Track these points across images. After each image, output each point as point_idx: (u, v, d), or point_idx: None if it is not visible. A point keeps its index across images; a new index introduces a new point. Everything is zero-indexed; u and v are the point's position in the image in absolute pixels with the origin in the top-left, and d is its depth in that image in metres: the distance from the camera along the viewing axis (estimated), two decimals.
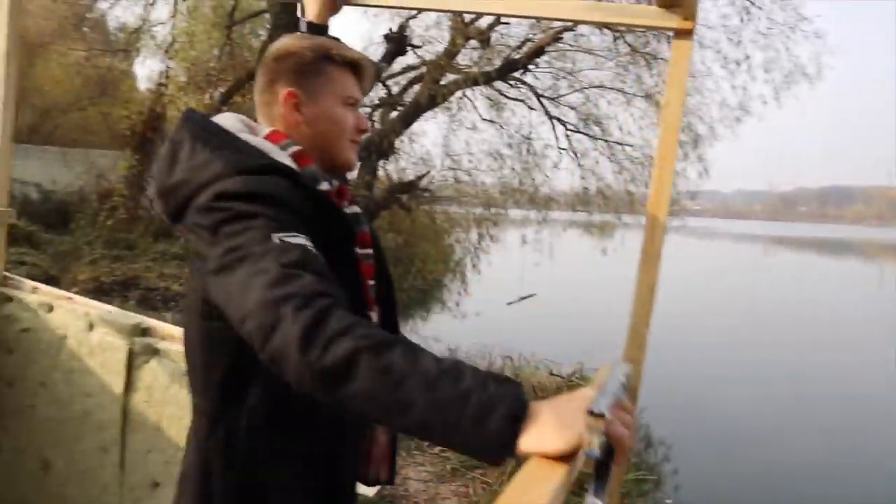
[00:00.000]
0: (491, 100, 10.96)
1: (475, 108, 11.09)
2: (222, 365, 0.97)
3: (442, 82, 9.17)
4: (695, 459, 6.52)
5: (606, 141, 10.35)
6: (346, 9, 1.56)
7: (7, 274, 2.08)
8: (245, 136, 1.02)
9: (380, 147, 9.22)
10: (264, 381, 0.95)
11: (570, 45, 9.65)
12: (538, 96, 10.55)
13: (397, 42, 9.10)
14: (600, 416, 0.67)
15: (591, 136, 10.69)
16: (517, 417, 0.68)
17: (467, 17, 9.36)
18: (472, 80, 9.27)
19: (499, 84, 10.27)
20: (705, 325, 15.57)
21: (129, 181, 11.63)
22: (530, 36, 9.44)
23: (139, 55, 12.91)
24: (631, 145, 10.35)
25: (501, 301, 11.15)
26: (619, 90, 10.02)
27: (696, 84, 9.68)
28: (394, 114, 10.22)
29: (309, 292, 0.76)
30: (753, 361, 11.51)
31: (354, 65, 1.12)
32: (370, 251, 1.13)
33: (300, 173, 1.00)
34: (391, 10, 9.82)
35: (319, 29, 1.45)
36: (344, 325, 0.73)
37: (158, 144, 11.70)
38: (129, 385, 1.74)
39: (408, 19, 9.35)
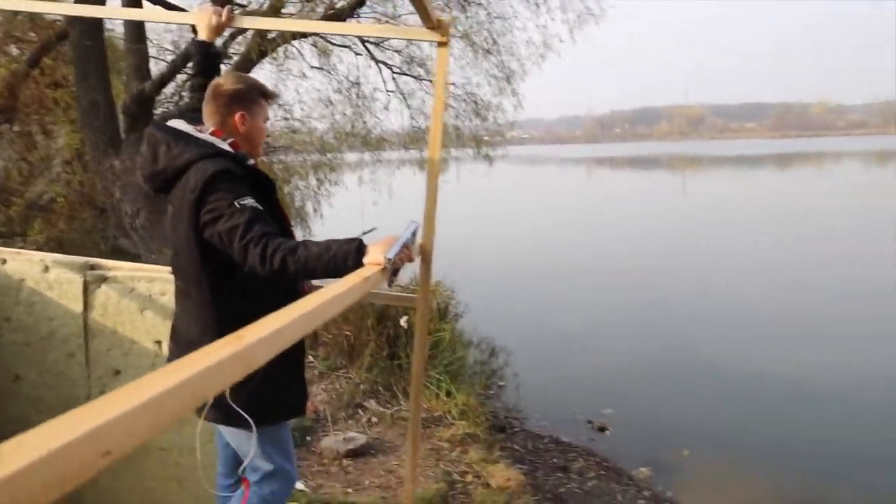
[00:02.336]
0: (317, 47, 11.37)
1: (302, 56, 11.46)
2: (216, 272, 1.76)
3: (269, 35, 9.42)
4: (534, 365, 7.57)
5: (430, 81, 11.22)
6: None
7: None
8: (200, 134, 1.81)
9: None
10: (240, 276, 1.76)
11: None
12: (363, 42, 11.12)
13: (222, 3, 9.22)
14: (389, 259, 1.59)
15: (416, 77, 11.51)
16: (359, 255, 1.62)
17: None
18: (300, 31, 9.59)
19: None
20: (541, 245, 17.27)
21: None
22: None
23: None
24: (454, 84, 11.30)
25: None
26: None
27: (507, 25, 10.81)
28: (222, 69, 10.30)
29: (258, 235, 1.64)
30: (586, 275, 13.14)
31: (271, 96, 1.98)
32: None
33: (236, 154, 1.82)
34: None
35: (207, 46, 2.18)
36: (274, 248, 1.63)
37: None
38: (86, 305, 2.39)
39: None
